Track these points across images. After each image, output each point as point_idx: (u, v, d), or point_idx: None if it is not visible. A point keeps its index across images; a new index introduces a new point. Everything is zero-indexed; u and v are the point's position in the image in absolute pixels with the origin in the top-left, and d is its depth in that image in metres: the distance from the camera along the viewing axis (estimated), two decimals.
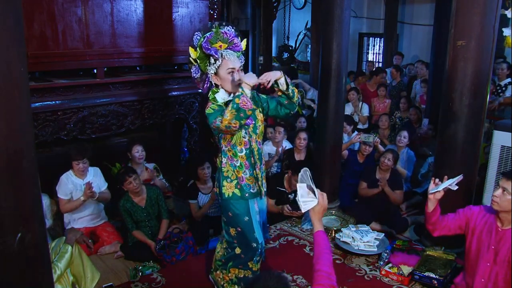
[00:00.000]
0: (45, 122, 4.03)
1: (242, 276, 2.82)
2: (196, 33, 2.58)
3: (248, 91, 2.37)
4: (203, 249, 3.84)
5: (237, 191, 2.65)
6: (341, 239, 3.70)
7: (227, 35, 2.54)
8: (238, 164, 2.64)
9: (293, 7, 10.06)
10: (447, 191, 2.69)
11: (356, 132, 5.40)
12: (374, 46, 9.73)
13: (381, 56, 9.18)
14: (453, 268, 3.16)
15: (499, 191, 2.48)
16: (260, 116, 2.68)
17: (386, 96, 6.73)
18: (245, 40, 2.68)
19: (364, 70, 9.00)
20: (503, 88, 5.32)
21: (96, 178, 4.01)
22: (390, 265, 3.33)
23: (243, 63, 2.64)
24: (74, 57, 4.16)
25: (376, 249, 3.59)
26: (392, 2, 8.43)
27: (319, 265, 1.89)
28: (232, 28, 2.60)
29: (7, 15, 1.59)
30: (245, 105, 2.31)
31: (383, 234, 3.82)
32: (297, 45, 10.43)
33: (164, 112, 4.92)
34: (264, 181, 2.77)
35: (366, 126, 6.40)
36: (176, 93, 4.98)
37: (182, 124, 5.50)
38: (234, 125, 2.35)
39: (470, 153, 3.40)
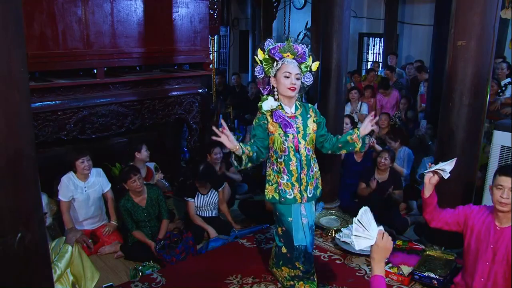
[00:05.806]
0: (45, 122, 4.03)
1: (293, 274, 2.92)
2: (269, 39, 2.74)
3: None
4: (203, 249, 3.84)
5: (276, 195, 2.80)
6: (341, 239, 3.69)
7: (297, 50, 2.67)
8: (278, 169, 2.77)
9: (293, 7, 10.03)
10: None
11: None
12: (374, 46, 9.71)
13: (381, 56, 9.16)
14: (453, 268, 3.15)
15: (503, 192, 2.42)
16: (312, 125, 2.75)
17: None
18: (317, 62, 2.77)
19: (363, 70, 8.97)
20: (503, 88, 5.32)
21: (99, 179, 4.02)
22: (390, 265, 3.32)
23: (310, 82, 2.76)
24: (74, 57, 4.16)
25: None
26: (392, 2, 8.43)
27: None
28: (306, 47, 2.72)
29: (7, 15, 1.59)
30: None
31: None
32: None
33: (164, 112, 4.91)
34: (310, 187, 2.83)
35: None
36: (176, 93, 4.98)
37: (182, 124, 5.50)
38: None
39: (470, 153, 3.40)
